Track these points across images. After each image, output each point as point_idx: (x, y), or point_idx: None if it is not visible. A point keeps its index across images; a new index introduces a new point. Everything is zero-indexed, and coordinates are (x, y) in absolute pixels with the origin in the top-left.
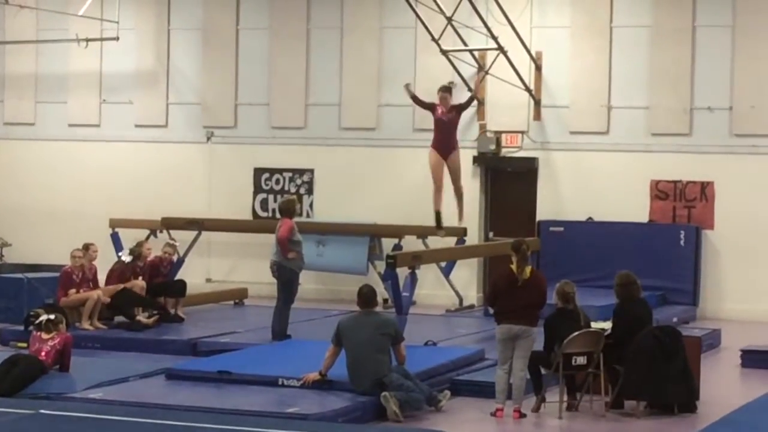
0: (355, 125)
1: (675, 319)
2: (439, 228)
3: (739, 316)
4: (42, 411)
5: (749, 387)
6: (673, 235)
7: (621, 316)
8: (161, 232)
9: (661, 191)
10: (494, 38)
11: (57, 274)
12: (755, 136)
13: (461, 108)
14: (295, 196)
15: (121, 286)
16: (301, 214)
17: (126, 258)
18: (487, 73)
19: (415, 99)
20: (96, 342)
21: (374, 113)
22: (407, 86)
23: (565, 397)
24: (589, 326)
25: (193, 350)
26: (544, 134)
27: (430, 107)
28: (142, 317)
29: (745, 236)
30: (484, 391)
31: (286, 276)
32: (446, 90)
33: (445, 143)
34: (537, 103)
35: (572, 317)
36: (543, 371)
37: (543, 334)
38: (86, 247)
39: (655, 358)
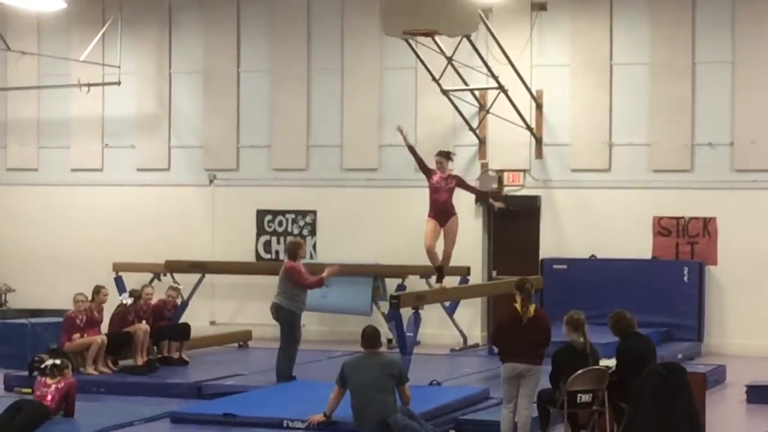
0: (357, 166)
1: (679, 356)
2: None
3: (744, 351)
4: None
5: (755, 423)
6: (676, 272)
7: (623, 353)
8: (165, 275)
9: (663, 227)
10: (495, 77)
11: (61, 319)
12: (757, 171)
13: (465, 186)
14: (300, 239)
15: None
16: (304, 256)
17: (126, 301)
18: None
19: (414, 151)
20: (101, 386)
21: (376, 154)
22: (400, 129)
23: None
24: (598, 364)
25: (197, 393)
26: (545, 172)
27: (427, 171)
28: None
29: (749, 271)
30: (489, 430)
31: (286, 317)
32: (445, 156)
33: (442, 210)
34: (538, 141)
35: (581, 355)
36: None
37: (551, 368)
38: (97, 290)
39: (659, 395)
